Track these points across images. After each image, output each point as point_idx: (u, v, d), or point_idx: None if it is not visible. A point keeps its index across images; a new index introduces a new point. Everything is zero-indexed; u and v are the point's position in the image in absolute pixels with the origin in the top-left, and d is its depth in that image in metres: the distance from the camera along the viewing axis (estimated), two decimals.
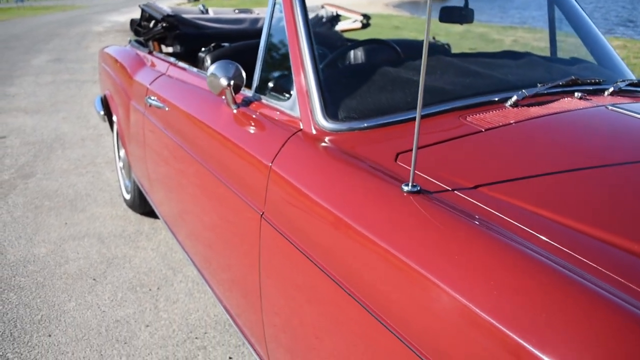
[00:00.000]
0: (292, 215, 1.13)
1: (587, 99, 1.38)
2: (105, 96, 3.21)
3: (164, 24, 2.76)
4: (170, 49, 3.01)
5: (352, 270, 0.93)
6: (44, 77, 7.61)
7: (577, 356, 0.60)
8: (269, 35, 1.49)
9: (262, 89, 1.50)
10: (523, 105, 1.31)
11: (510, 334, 0.65)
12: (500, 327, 0.67)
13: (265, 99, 1.47)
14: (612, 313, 0.62)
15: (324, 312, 1.03)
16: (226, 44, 2.63)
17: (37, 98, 6.21)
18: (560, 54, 1.99)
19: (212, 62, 2.04)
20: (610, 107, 1.32)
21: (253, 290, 1.35)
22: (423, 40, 0.82)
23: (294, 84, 1.33)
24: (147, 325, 2.06)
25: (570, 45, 1.95)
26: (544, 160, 1.07)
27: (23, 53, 10.17)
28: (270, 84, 1.48)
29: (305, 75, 1.30)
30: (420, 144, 1.10)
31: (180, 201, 1.96)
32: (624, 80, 1.52)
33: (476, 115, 1.26)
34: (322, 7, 3.24)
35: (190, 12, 3.12)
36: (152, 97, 2.13)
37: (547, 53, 1.99)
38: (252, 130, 1.40)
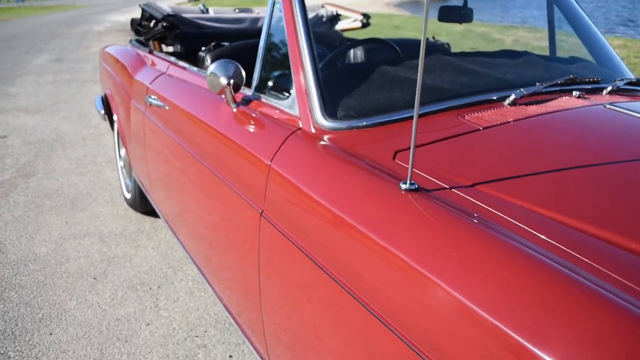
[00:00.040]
0: (291, 214, 1.14)
1: (586, 98, 1.38)
2: (105, 95, 3.21)
3: (165, 24, 2.77)
4: (170, 49, 3.02)
5: (350, 268, 0.93)
6: (44, 76, 7.62)
7: (577, 355, 0.60)
8: (269, 34, 1.50)
9: (261, 88, 1.50)
10: (521, 104, 1.31)
11: (509, 331, 0.65)
12: (499, 324, 0.67)
13: (264, 98, 1.47)
14: (612, 312, 0.62)
15: (323, 310, 1.03)
16: (226, 44, 2.63)
17: (38, 98, 6.21)
18: (560, 53, 1.99)
19: (212, 61, 2.05)
20: (608, 106, 1.32)
21: (253, 288, 1.35)
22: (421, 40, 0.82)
23: (294, 83, 1.33)
24: (148, 324, 2.07)
25: (569, 45, 1.95)
26: (542, 158, 1.07)
27: (24, 53, 10.18)
28: (270, 83, 1.49)
29: (305, 74, 1.30)
30: (419, 142, 1.11)
31: (180, 200, 1.97)
32: (622, 79, 1.52)
33: (474, 113, 1.26)
34: (322, 6, 3.24)
35: (191, 11, 3.12)
36: (153, 96, 2.14)
37: (547, 52, 2.00)
38: (251, 129, 1.41)
